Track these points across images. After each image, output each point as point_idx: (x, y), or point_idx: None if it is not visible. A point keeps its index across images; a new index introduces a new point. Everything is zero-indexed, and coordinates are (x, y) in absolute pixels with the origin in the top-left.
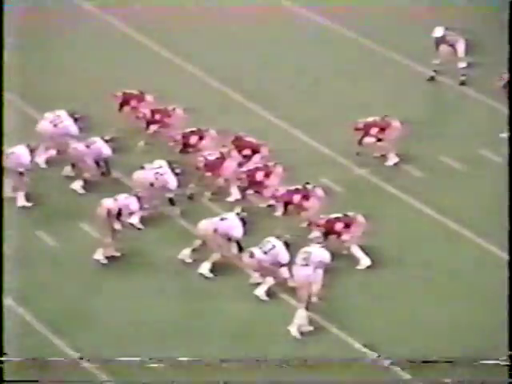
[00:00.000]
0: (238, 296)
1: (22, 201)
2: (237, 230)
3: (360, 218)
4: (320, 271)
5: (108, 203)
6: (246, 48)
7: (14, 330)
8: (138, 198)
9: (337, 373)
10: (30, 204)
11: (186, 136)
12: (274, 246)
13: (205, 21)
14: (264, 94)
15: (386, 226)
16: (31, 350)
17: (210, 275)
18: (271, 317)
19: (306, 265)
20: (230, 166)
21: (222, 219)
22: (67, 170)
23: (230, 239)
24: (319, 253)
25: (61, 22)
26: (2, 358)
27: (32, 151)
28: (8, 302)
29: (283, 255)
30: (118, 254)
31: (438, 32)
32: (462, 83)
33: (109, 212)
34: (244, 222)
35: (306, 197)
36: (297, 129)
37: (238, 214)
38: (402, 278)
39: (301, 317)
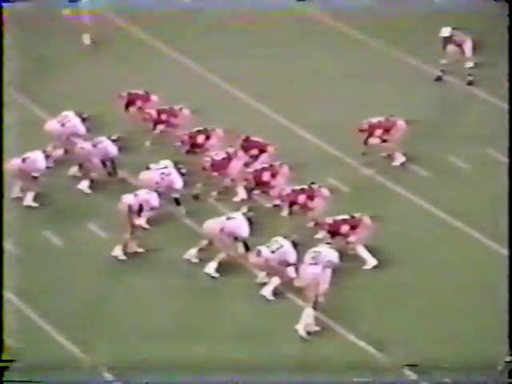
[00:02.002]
0: (245, 296)
1: (28, 200)
2: (243, 230)
3: (366, 220)
4: (328, 271)
5: (129, 199)
6: (252, 48)
7: (19, 329)
8: (159, 194)
9: (343, 373)
10: (36, 204)
11: (192, 136)
12: (281, 246)
13: (212, 21)
14: (270, 94)
15: (393, 226)
16: (35, 349)
17: (216, 275)
18: (278, 316)
19: (315, 264)
20: (237, 166)
21: (228, 218)
22: (74, 170)
23: (236, 239)
24: (328, 252)
25: (66, 22)
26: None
27: (47, 157)
28: (14, 301)
29: (291, 254)
30: (141, 250)
31: (445, 32)
32: (470, 83)
33: (130, 208)
34: (250, 221)
35: (311, 197)
36: (303, 129)
37: (244, 213)
38: (409, 278)
39: (308, 316)
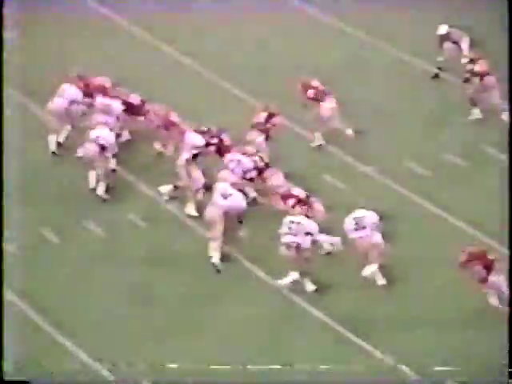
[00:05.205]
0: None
1: (101, 191)
2: (241, 204)
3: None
4: (378, 234)
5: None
6: (249, 45)
7: (18, 328)
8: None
9: (344, 371)
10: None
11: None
12: (298, 223)
13: (208, 17)
14: (268, 92)
15: (391, 224)
16: (35, 348)
17: (220, 264)
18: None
19: (363, 228)
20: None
21: (225, 198)
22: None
23: (240, 221)
24: (369, 215)
25: (63, 19)
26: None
27: (118, 136)
28: (14, 300)
29: (309, 225)
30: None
31: (443, 29)
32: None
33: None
34: (244, 194)
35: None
36: (301, 127)
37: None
38: (407, 274)
39: (373, 270)
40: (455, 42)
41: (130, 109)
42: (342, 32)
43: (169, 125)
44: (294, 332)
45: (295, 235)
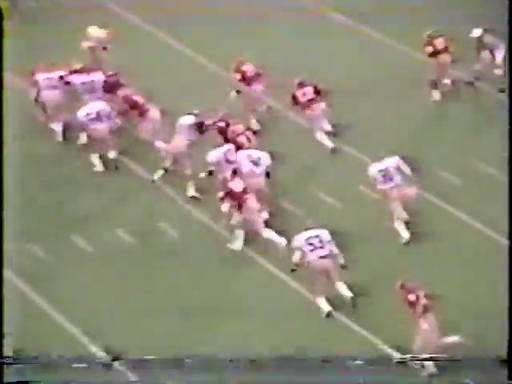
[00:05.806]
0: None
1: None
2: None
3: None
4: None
5: None
6: (251, 44)
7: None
8: None
9: (355, 370)
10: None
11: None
12: (317, 236)
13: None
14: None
15: (422, 232)
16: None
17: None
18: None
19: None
20: None
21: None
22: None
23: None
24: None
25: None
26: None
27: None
28: (44, 305)
29: (326, 235)
30: None
31: (476, 32)
32: (502, 90)
33: None
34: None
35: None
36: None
37: None
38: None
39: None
40: (490, 50)
41: (108, 86)
42: (371, 39)
43: (134, 106)
44: None
45: (323, 247)
